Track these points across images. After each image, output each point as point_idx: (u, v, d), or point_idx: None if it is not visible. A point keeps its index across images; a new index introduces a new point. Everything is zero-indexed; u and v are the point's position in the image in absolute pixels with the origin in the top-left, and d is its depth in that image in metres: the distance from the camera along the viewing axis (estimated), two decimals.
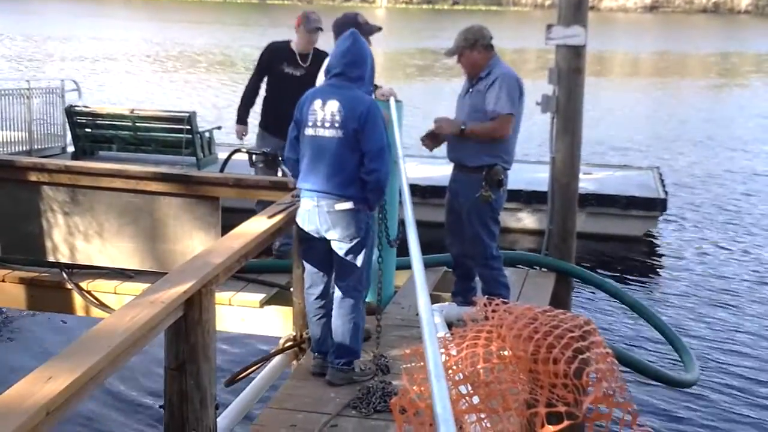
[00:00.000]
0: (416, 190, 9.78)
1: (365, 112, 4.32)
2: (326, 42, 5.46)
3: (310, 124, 4.44)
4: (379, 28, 5.36)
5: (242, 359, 6.51)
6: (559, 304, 5.46)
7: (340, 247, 4.48)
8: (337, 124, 4.35)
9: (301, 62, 6.54)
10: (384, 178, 4.39)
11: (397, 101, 5.45)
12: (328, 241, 4.50)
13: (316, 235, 4.51)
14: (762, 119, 23.05)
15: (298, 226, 4.61)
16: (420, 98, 23.41)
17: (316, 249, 4.56)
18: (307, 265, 4.67)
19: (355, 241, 4.45)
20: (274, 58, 6.67)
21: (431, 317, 2.65)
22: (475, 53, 5.38)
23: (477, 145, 5.35)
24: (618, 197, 10.74)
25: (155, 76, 29.35)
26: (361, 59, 4.46)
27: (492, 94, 5.28)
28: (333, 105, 4.37)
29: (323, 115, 4.39)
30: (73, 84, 13.40)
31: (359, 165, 4.35)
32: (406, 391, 2.64)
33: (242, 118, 6.98)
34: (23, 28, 46.97)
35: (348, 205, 4.38)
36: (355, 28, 4.95)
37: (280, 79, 6.59)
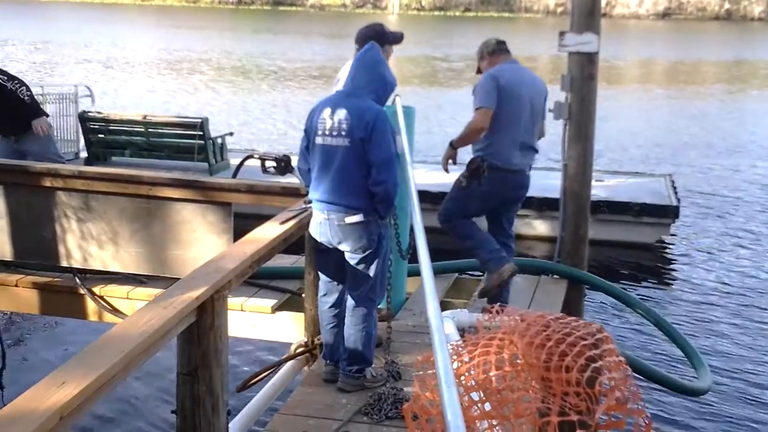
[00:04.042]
0: (427, 196, 9.77)
1: (372, 121, 4.30)
2: (350, 52, 5.49)
3: (319, 132, 4.44)
4: (402, 35, 5.39)
5: (254, 365, 6.52)
6: (571, 311, 5.46)
7: (352, 258, 4.48)
8: (344, 132, 4.34)
9: None
10: (392, 189, 4.37)
11: (409, 107, 5.48)
12: (341, 251, 4.50)
13: (329, 246, 4.52)
14: None
15: (310, 236, 4.62)
16: (432, 104, 23.43)
17: (330, 259, 4.57)
18: (322, 275, 4.67)
19: (367, 252, 4.45)
20: None
21: (441, 324, 2.65)
22: (483, 62, 5.82)
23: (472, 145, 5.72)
24: (630, 204, 10.69)
25: (168, 82, 29.47)
26: (374, 63, 4.46)
27: None
28: (341, 113, 4.37)
29: (332, 124, 4.39)
30: (87, 90, 13.46)
31: (367, 175, 4.34)
32: (418, 398, 2.64)
33: None
34: (37, 33, 47.25)
35: (358, 217, 4.37)
36: (378, 37, 5.03)
37: None
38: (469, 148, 5.80)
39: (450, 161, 5.78)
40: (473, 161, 5.63)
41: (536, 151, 5.82)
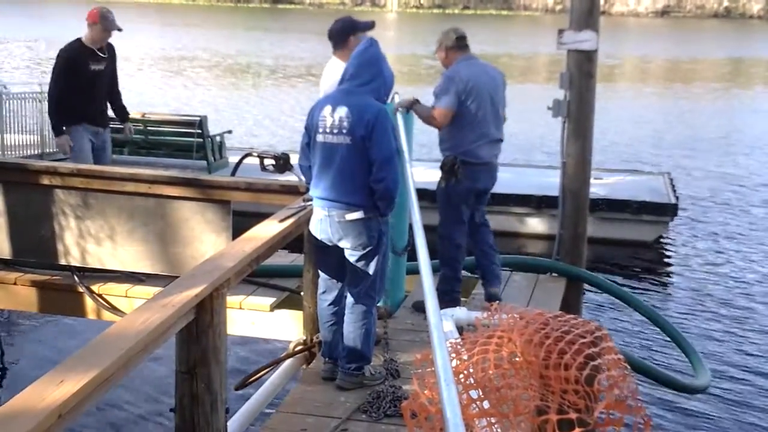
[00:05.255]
0: (426, 194, 9.77)
1: (373, 119, 4.31)
2: (327, 50, 5.50)
3: (320, 130, 4.44)
4: (373, 22, 5.43)
5: (252, 363, 6.52)
6: (569, 310, 5.47)
7: (352, 255, 4.48)
8: (345, 130, 4.35)
9: (102, 55, 7.13)
10: (393, 187, 4.37)
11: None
12: (341, 248, 4.50)
13: (329, 244, 4.52)
14: None
15: (310, 233, 4.62)
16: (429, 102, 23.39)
17: (330, 256, 4.57)
18: (321, 272, 4.67)
19: (367, 249, 4.45)
20: (79, 57, 7.05)
21: (439, 322, 2.66)
22: (440, 53, 5.92)
23: (439, 140, 5.87)
24: (629, 202, 10.70)
25: (167, 80, 29.45)
26: (375, 60, 4.46)
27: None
28: (342, 111, 4.37)
29: (332, 121, 4.39)
30: None
31: (368, 172, 4.34)
32: (417, 396, 2.64)
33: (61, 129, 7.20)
34: (35, 31, 47.19)
35: (358, 214, 4.38)
36: (351, 28, 5.08)
37: (89, 76, 7.07)
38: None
39: (402, 108, 5.70)
40: (446, 162, 5.75)
41: (501, 140, 5.95)
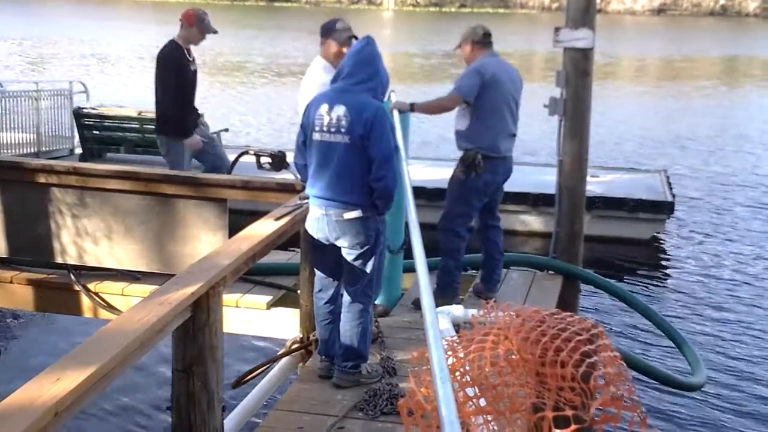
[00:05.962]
0: (422, 192, 9.78)
1: (371, 117, 4.30)
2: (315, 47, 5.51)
3: (317, 128, 4.43)
4: (354, 37, 5.40)
5: (249, 361, 6.52)
6: (566, 307, 5.46)
7: (349, 254, 4.47)
8: (343, 129, 4.34)
9: (190, 58, 6.99)
10: (392, 185, 4.37)
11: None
12: (338, 247, 4.49)
13: (326, 242, 4.51)
14: None
15: (306, 232, 4.62)
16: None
17: (327, 255, 4.56)
18: (317, 271, 4.67)
19: (364, 248, 4.44)
20: (182, 58, 6.89)
21: (435, 319, 2.65)
22: (466, 47, 5.94)
23: (457, 135, 5.91)
24: (625, 200, 10.72)
25: None
26: (371, 58, 4.45)
27: None
28: (339, 109, 4.36)
29: (329, 120, 4.38)
30: (81, 86, 13.45)
31: (366, 171, 4.33)
32: (414, 393, 2.64)
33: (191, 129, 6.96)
34: (32, 30, 47.12)
35: (356, 213, 4.37)
36: (330, 32, 5.23)
37: (191, 77, 6.94)
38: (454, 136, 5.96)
39: (396, 110, 5.60)
40: (467, 157, 5.79)
41: (515, 135, 6.03)
